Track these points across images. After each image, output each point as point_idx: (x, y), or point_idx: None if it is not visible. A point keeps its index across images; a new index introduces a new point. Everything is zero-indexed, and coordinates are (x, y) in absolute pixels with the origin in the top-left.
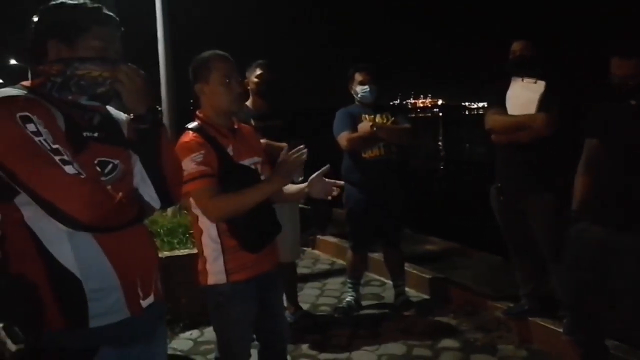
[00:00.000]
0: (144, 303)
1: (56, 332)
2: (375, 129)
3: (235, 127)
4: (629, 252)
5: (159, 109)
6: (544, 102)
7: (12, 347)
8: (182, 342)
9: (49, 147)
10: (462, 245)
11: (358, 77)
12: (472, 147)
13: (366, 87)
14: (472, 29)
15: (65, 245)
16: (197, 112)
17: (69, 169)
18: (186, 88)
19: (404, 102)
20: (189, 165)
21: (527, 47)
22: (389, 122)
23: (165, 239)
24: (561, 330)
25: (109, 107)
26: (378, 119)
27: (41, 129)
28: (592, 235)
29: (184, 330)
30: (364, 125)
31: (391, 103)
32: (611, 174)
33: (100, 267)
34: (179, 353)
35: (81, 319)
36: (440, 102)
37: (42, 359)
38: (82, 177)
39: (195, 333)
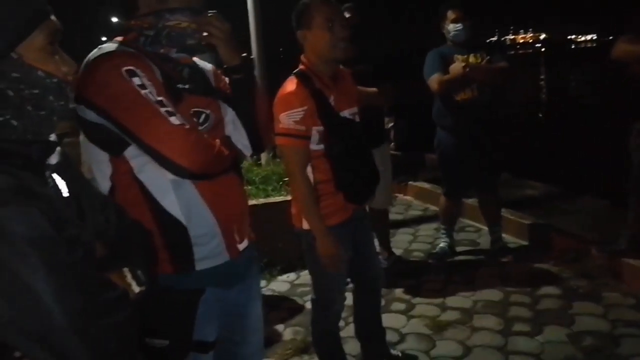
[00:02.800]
0: (241, 247)
1: (166, 276)
2: (468, 69)
3: (338, 74)
4: None
5: (251, 57)
6: None
7: (136, 288)
8: (279, 284)
9: (154, 99)
10: (564, 190)
11: (451, 14)
12: (579, 86)
13: (459, 24)
14: None
15: (171, 195)
16: (302, 58)
17: (174, 120)
18: (275, 37)
19: (502, 39)
20: (287, 120)
21: None
22: (483, 62)
23: (260, 187)
24: None
25: (195, 59)
26: (472, 58)
27: (145, 82)
28: None
29: (281, 273)
30: (456, 67)
31: (487, 41)
32: None
33: (202, 214)
34: (277, 294)
35: (188, 262)
36: (542, 36)
37: (158, 299)
38: (187, 127)
39: (292, 276)
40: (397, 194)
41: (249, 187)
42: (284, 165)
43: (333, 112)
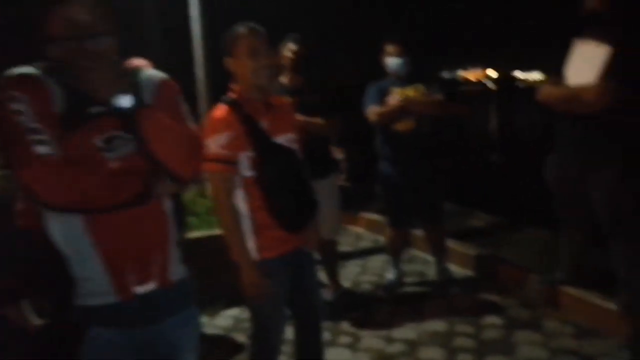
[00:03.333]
0: (139, 289)
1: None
2: (403, 102)
3: (272, 101)
4: None
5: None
6: (607, 69)
7: (37, 321)
8: (223, 319)
9: (26, 127)
10: (509, 220)
11: (389, 49)
12: (526, 122)
13: (397, 58)
14: None
15: (55, 224)
16: (231, 86)
17: (40, 149)
18: (222, 64)
19: (454, 75)
20: (212, 145)
21: (600, 2)
22: (420, 95)
23: (205, 218)
24: (610, 306)
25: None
26: (410, 91)
27: (24, 108)
28: None
29: (225, 307)
30: (393, 99)
31: (439, 76)
32: None
33: (84, 248)
34: (219, 331)
35: (75, 295)
36: (492, 73)
37: (57, 330)
38: (53, 157)
39: (236, 311)
40: (347, 225)
41: (193, 219)
42: (210, 192)
43: (264, 137)
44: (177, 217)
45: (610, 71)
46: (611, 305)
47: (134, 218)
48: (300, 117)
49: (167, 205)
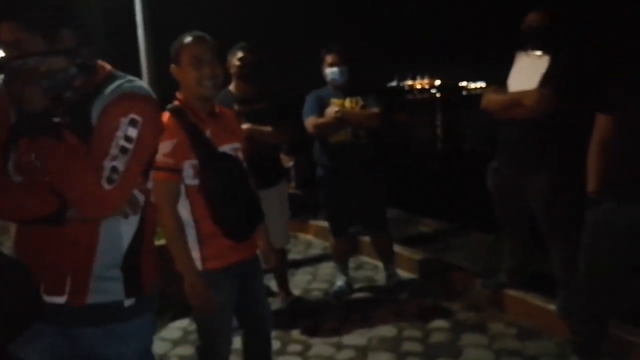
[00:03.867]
0: (48, 298)
1: None
2: (339, 114)
3: (216, 110)
4: None
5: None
6: (546, 78)
7: None
8: (171, 331)
9: None
10: (455, 225)
11: (328, 58)
12: (469, 129)
13: (335, 69)
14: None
15: None
16: (177, 94)
17: None
18: (170, 77)
19: (401, 84)
20: None
21: (541, 18)
22: (357, 107)
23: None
24: (552, 307)
25: None
26: (347, 103)
27: None
28: (623, 216)
29: (173, 319)
30: (330, 111)
31: (387, 85)
32: (631, 146)
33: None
34: (166, 343)
35: None
36: (437, 82)
37: None
38: None
39: (185, 322)
40: (297, 233)
41: None
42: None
43: (209, 146)
44: (137, 241)
45: (548, 79)
46: (552, 307)
47: (44, 234)
48: (248, 126)
49: (110, 228)
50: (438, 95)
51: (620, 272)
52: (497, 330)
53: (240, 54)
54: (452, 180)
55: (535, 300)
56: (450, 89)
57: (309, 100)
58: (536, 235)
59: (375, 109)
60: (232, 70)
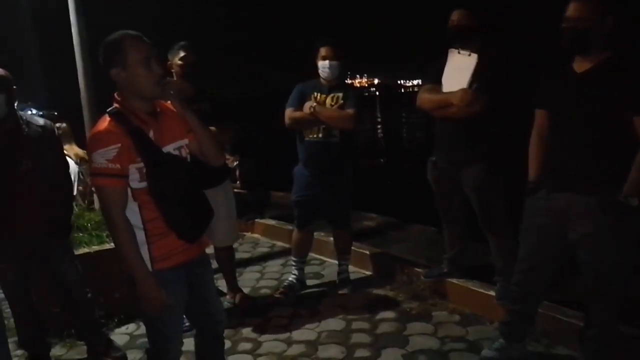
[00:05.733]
0: None
1: None
2: (313, 110)
3: (158, 109)
4: (589, 214)
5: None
6: (475, 77)
7: None
8: (117, 337)
9: None
10: (399, 220)
11: (322, 51)
12: (408, 126)
13: (327, 62)
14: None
15: None
16: (115, 95)
17: None
18: (107, 81)
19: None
20: (99, 159)
21: (465, 17)
22: (336, 105)
23: (94, 233)
24: (492, 293)
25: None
26: (329, 99)
27: None
28: (552, 204)
29: (119, 324)
30: (306, 105)
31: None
32: (561, 140)
33: None
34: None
35: None
36: (376, 81)
37: None
38: None
39: (131, 327)
40: (244, 232)
41: (81, 235)
42: (99, 206)
43: (154, 148)
44: None
45: (475, 79)
46: (492, 293)
47: None
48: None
49: None
50: (377, 93)
51: (551, 256)
52: (441, 318)
53: (182, 54)
54: (394, 176)
55: (476, 287)
56: (388, 87)
57: (294, 91)
58: (475, 225)
59: (350, 110)
60: (174, 70)
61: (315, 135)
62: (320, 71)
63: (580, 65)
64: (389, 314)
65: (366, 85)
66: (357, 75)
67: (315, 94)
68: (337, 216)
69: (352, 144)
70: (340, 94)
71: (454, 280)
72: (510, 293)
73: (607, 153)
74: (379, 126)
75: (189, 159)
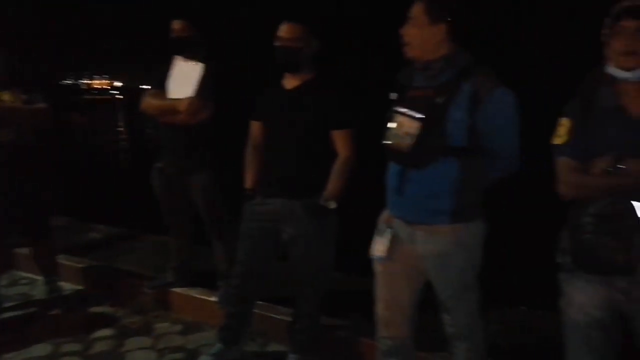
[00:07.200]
0: None
1: None
2: None
3: None
4: (296, 217)
5: None
6: (200, 85)
7: None
8: None
9: None
10: (129, 230)
11: None
12: (153, 130)
13: None
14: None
15: None
16: None
17: None
18: None
19: (78, 82)
20: None
21: (184, 28)
22: (19, 102)
23: None
24: (215, 299)
25: None
26: (6, 96)
27: None
28: (265, 209)
29: None
30: None
31: (63, 82)
32: (273, 151)
33: None
34: None
35: None
36: (118, 83)
37: None
38: None
39: None
40: None
41: None
42: None
43: None
44: None
45: (200, 88)
46: (214, 299)
47: None
48: None
49: None
50: (120, 96)
51: (266, 257)
52: (162, 329)
53: None
54: (131, 183)
55: (198, 294)
56: (131, 90)
57: None
58: (201, 233)
59: (42, 105)
60: None
61: (2, 138)
62: None
63: (289, 83)
64: (105, 332)
65: (107, 87)
66: (97, 77)
67: None
68: (34, 226)
69: (48, 146)
70: (20, 91)
71: (177, 290)
72: (231, 296)
73: (310, 162)
74: (122, 130)
75: None
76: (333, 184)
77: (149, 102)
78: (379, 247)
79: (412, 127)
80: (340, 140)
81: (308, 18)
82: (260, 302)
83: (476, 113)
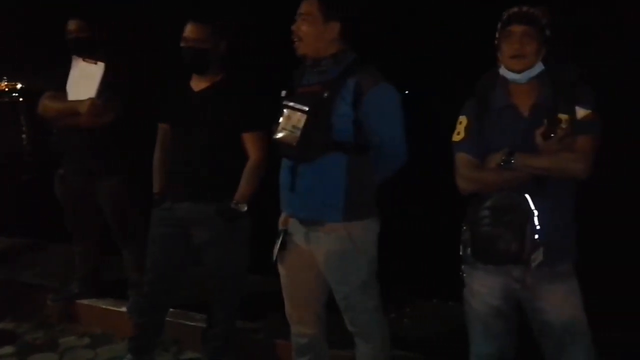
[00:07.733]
0: None
1: None
2: None
3: None
4: (208, 221)
5: None
6: (103, 86)
7: None
8: None
9: None
10: (32, 240)
11: None
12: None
13: None
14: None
15: None
16: None
17: None
18: None
19: None
20: None
21: (82, 28)
22: None
23: None
24: (124, 310)
25: None
26: None
27: None
28: (174, 214)
29: None
30: None
31: None
32: (181, 153)
33: None
34: None
35: None
36: (19, 86)
37: None
38: None
39: None
40: None
41: None
42: None
43: None
44: None
45: (105, 88)
46: (124, 309)
47: None
48: None
49: None
50: (21, 99)
51: (176, 264)
52: (69, 343)
53: None
54: (34, 191)
55: (107, 305)
56: (34, 93)
57: None
58: (109, 241)
59: None
60: None
61: None
62: None
63: (197, 84)
64: (6, 350)
65: (7, 89)
66: None
67: None
68: None
69: None
70: None
71: (84, 301)
72: (141, 305)
73: (219, 165)
74: (23, 135)
75: None
76: (244, 186)
77: (46, 105)
78: (274, 250)
79: (300, 120)
80: (250, 142)
81: (216, 17)
82: (173, 309)
83: (359, 106)
